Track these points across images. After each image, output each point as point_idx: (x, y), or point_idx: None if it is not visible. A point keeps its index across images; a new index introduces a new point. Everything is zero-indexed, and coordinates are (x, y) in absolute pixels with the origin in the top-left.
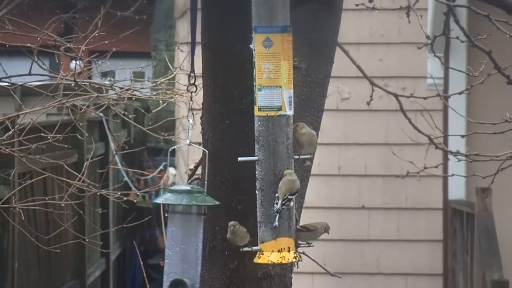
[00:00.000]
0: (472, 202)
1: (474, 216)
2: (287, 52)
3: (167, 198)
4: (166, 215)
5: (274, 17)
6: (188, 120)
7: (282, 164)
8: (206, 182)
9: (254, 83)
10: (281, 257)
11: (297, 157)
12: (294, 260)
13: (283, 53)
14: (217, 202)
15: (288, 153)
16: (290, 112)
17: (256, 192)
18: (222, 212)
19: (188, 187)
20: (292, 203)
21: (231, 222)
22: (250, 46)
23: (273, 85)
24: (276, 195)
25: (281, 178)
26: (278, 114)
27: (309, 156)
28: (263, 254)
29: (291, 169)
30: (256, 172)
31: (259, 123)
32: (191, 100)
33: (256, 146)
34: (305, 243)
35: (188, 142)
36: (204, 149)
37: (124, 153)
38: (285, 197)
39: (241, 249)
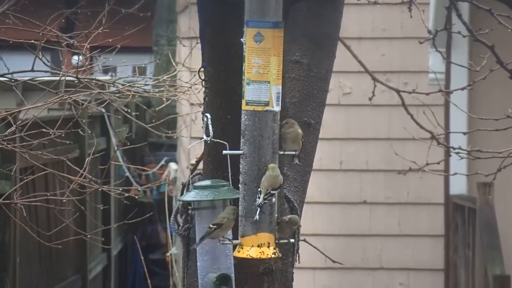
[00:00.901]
0: (474, 197)
1: (476, 211)
2: (277, 48)
3: (194, 195)
4: (192, 212)
5: (266, 12)
6: (206, 116)
7: (267, 159)
8: (230, 176)
9: (243, 77)
10: (260, 252)
11: (282, 152)
12: (273, 256)
13: (274, 49)
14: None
15: (273, 148)
16: (277, 108)
17: (239, 186)
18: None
19: (209, 182)
20: (274, 199)
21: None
22: (241, 39)
23: (262, 80)
24: (259, 189)
25: (264, 173)
26: (265, 109)
27: (294, 153)
28: (242, 248)
29: (275, 164)
30: (240, 166)
31: (246, 117)
32: (205, 95)
33: (242, 140)
34: (286, 239)
35: (206, 138)
36: (223, 141)
37: (125, 149)
38: (267, 192)
39: (220, 242)
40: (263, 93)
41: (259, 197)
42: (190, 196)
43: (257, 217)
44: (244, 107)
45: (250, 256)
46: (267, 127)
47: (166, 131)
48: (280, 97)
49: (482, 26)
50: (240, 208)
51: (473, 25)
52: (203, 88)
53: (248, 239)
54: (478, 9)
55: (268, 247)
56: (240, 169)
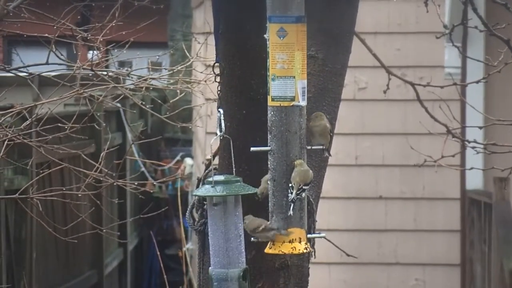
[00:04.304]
0: (490, 192)
1: (492, 206)
2: (301, 43)
3: (207, 190)
4: (206, 207)
5: (288, 7)
6: (218, 111)
7: (295, 154)
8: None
9: (268, 73)
10: (292, 248)
11: (309, 147)
12: (305, 251)
13: (297, 44)
14: (255, 190)
15: (301, 143)
16: (303, 103)
17: (268, 182)
18: None
19: (222, 177)
20: (304, 194)
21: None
22: (264, 36)
23: (287, 75)
24: (290, 185)
25: (293, 168)
26: (291, 104)
27: (321, 147)
28: (274, 245)
29: (303, 159)
30: (269, 162)
31: (272, 113)
32: (219, 90)
33: (269, 136)
34: (317, 233)
35: (219, 133)
36: (238, 137)
37: (141, 143)
38: (299, 187)
39: (252, 239)
40: (288, 88)
41: (291, 193)
42: (203, 190)
43: (291, 212)
44: (270, 103)
45: (282, 252)
46: (294, 122)
47: (181, 123)
48: (306, 92)
49: (498, 21)
50: (270, 204)
51: (489, 19)
52: (218, 83)
53: (280, 235)
54: (494, 4)
55: (300, 242)
56: (269, 165)
